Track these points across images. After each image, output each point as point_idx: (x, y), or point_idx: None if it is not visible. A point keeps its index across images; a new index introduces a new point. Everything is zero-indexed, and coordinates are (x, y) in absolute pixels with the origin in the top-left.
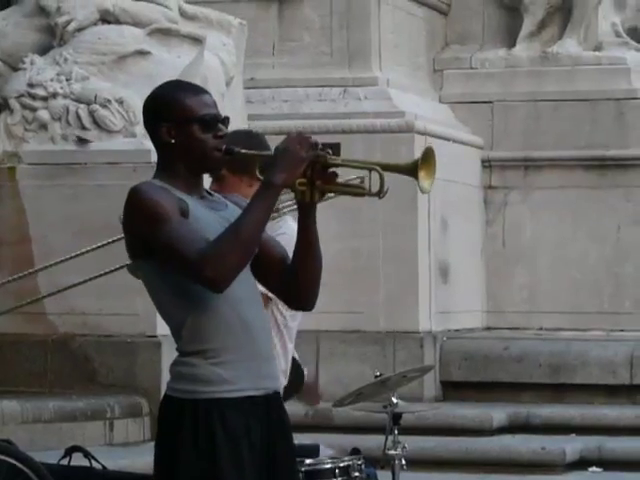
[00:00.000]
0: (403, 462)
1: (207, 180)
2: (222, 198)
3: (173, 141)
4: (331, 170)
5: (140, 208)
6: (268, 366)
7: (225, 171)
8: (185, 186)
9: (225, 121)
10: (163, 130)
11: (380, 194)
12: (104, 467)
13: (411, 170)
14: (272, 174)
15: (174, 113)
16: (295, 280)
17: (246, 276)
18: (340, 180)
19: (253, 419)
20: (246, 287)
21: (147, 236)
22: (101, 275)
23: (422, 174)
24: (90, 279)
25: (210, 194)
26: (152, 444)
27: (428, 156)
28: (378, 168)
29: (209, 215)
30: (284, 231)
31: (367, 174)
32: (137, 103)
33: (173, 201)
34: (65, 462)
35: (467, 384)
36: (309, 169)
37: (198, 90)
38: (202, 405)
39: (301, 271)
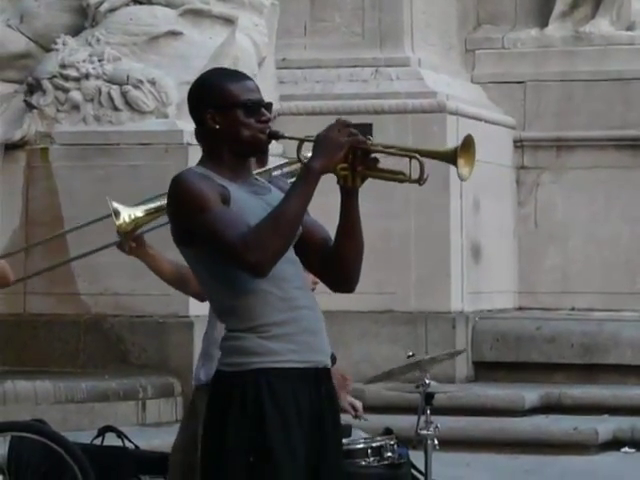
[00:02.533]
0: (435, 442)
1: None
2: (267, 183)
3: (218, 127)
4: (372, 156)
5: (182, 197)
6: (317, 340)
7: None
8: (230, 172)
9: (268, 106)
10: (208, 116)
11: (420, 181)
12: (137, 447)
13: (450, 157)
14: (312, 160)
15: (218, 99)
16: (337, 262)
17: (290, 256)
18: (381, 166)
19: (301, 389)
20: (290, 267)
21: (190, 224)
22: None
23: (461, 162)
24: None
25: (256, 179)
26: None
27: (468, 144)
28: (418, 155)
29: (251, 200)
30: None
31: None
32: (169, 84)
33: (214, 189)
34: (98, 442)
35: (499, 364)
36: (350, 155)
37: (241, 76)
38: (250, 375)
39: (343, 253)
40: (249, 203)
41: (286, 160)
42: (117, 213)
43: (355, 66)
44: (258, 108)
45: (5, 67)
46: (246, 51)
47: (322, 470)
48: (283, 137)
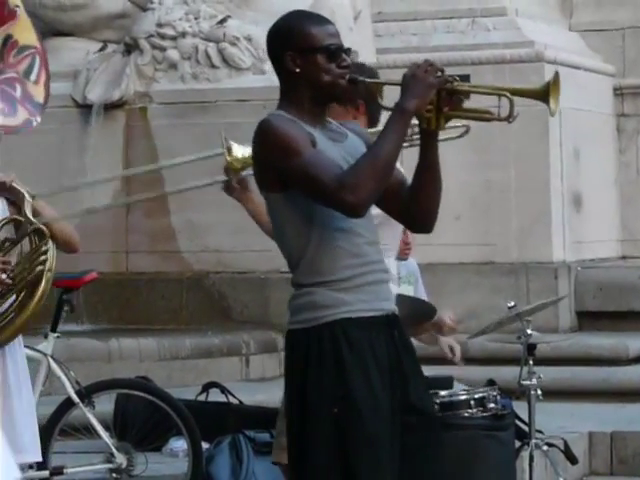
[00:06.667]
0: (538, 392)
1: None
2: (342, 127)
3: (298, 70)
4: (457, 96)
5: (273, 141)
6: (383, 289)
7: None
8: (309, 117)
9: (348, 52)
10: (288, 59)
11: (510, 119)
12: (241, 402)
13: (541, 94)
14: (404, 100)
15: (299, 42)
16: (416, 204)
17: None
18: (466, 106)
19: (376, 336)
20: (363, 221)
21: (281, 169)
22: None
23: (551, 98)
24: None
25: (331, 124)
26: None
27: (556, 80)
28: (507, 93)
29: (332, 147)
30: None
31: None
32: (265, 40)
33: (303, 132)
34: (202, 398)
35: (602, 314)
36: (435, 96)
37: (322, 20)
38: (325, 328)
39: (423, 195)
40: (330, 150)
41: None
42: (229, 149)
43: (452, 17)
44: (339, 53)
45: (102, 27)
46: (342, 5)
47: (409, 409)
48: (363, 82)
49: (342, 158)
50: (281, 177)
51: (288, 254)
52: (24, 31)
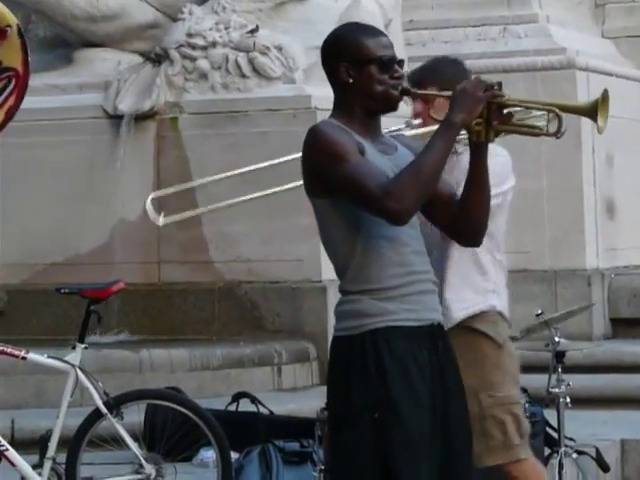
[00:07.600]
0: (567, 400)
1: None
2: (393, 140)
3: (351, 81)
4: (507, 110)
5: (321, 147)
6: (431, 300)
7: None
8: (360, 128)
9: (401, 63)
10: (342, 70)
11: (558, 134)
12: (271, 412)
13: (590, 111)
14: (452, 114)
15: (353, 53)
16: (465, 216)
17: (412, 220)
18: (516, 120)
19: (419, 346)
20: (410, 230)
21: (328, 174)
22: None
23: (600, 116)
24: None
25: (383, 136)
26: (320, 389)
27: (606, 98)
28: (556, 109)
29: (380, 158)
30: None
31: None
32: (296, 49)
33: (352, 140)
34: (232, 408)
35: (636, 321)
36: (485, 109)
37: (376, 32)
38: (369, 336)
39: (471, 207)
40: (378, 161)
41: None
42: None
43: (483, 25)
44: (392, 64)
45: (133, 38)
46: (372, 14)
47: (449, 420)
48: (415, 93)
49: (390, 169)
50: (327, 183)
51: (335, 261)
52: (10, 52)
